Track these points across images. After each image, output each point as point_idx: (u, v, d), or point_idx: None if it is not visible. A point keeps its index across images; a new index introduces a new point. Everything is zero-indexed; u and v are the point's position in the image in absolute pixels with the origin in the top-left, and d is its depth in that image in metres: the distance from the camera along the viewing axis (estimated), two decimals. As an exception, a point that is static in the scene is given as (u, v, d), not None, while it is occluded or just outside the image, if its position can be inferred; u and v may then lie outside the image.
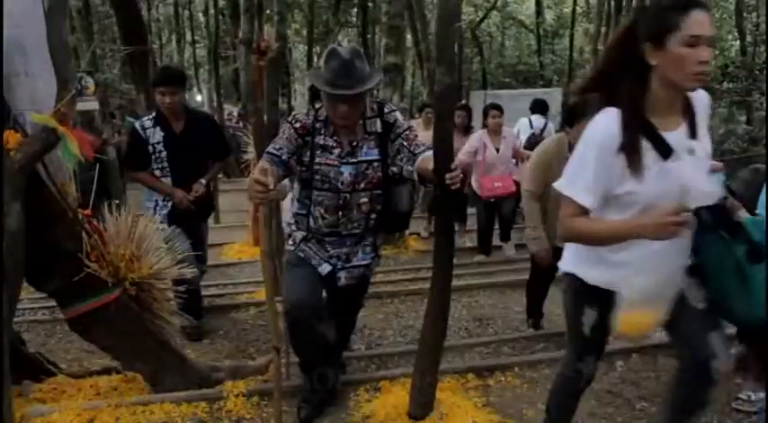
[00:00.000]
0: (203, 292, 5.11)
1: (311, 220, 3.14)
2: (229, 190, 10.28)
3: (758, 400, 3.32)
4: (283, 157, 2.95)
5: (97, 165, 4.02)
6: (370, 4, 22.33)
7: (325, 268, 3.19)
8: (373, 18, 22.35)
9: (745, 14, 18.62)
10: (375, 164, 3.10)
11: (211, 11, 21.81)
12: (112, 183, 7.86)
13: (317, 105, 3.11)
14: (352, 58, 2.91)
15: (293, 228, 3.28)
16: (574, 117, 3.72)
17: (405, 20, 9.57)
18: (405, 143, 3.05)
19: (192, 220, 4.47)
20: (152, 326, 3.48)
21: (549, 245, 4.09)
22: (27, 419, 3.14)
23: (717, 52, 17.61)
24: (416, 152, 2.99)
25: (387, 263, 6.53)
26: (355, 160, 3.06)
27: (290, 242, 3.28)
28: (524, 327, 4.77)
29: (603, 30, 17.35)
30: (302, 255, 3.21)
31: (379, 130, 3.10)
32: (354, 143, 3.07)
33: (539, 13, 25.94)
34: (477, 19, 25.11)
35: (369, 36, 23.07)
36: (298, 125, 3.03)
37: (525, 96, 11.80)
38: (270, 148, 3.00)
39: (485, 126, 6.90)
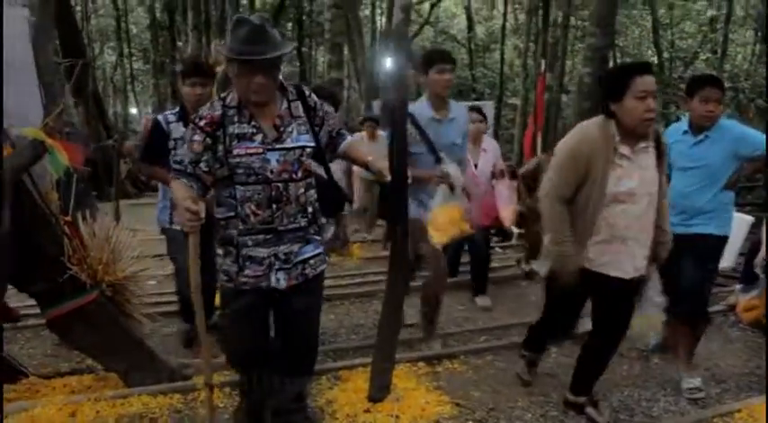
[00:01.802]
0: (158, 299, 5.34)
1: (240, 222, 2.75)
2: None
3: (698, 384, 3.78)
4: (188, 170, 2.68)
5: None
6: (305, 18, 22.71)
7: (272, 280, 2.83)
8: (309, 32, 22.73)
9: (660, 32, 19.73)
10: (308, 150, 2.81)
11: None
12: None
13: (222, 94, 2.81)
14: (262, 23, 2.63)
15: (223, 254, 2.85)
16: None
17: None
18: (329, 133, 2.95)
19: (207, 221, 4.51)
20: (125, 325, 3.72)
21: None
22: (10, 415, 3.34)
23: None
24: (339, 141, 3.00)
25: (333, 269, 6.83)
26: (283, 146, 2.74)
27: (224, 277, 2.86)
28: (468, 324, 5.16)
29: (532, 45, 18.16)
30: (246, 287, 2.82)
31: (302, 114, 2.84)
32: (281, 128, 2.76)
33: (470, 28, 26.79)
34: (411, 35, 25.72)
35: (305, 49, 23.44)
36: (203, 122, 2.68)
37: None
38: (173, 164, 2.75)
39: None
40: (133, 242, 3.87)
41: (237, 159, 2.68)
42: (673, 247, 3.32)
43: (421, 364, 4.10)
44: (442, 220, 3.90)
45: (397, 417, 3.38)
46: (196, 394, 3.61)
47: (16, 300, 4.80)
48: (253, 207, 2.73)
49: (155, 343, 4.24)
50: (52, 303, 3.43)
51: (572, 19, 18.15)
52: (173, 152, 3.94)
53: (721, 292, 5.63)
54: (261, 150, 2.70)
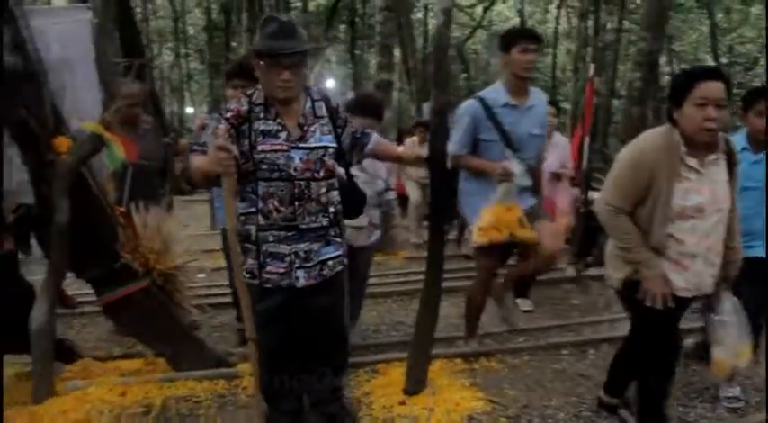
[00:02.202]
0: (207, 292, 5.55)
1: (261, 217, 2.78)
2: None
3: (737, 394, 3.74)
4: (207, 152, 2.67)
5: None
6: (357, 20, 22.93)
7: (292, 278, 2.86)
8: (361, 35, 22.94)
9: (718, 37, 19.35)
10: (330, 151, 2.86)
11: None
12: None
13: (248, 92, 2.87)
14: (290, 20, 2.72)
15: (244, 251, 2.86)
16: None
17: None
18: (352, 135, 2.99)
19: None
20: (175, 313, 3.90)
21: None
22: (65, 393, 3.54)
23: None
24: (365, 141, 3.03)
25: (378, 268, 6.94)
26: (307, 146, 2.79)
27: (247, 275, 2.86)
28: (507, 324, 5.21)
29: (584, 50, 17.99)
30: (269, 285, 2.85)
31: (326, 114, 2.89)
32: (305, 127, 2.81)
33: (523, 31, 26.62)
34: (463, 38, 25.78)
35: (357, 52, 23.66)
36: (230, 114, 2.73)
37: None
38: (193, 147, 2.78)
39: None
40: (183, 236, 4.04)
41: (262, 155, 2.72)
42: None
43: (458, 360, 4.17)
44: (488, 219, 3.80)
45: (431, 410, 3.46)
46: (239, 381, 3.76)
47: (75, 287, 5.07)
48: (275, 203, 2.77)
49: (203, 332, 4.42)
50: (106, 289, 3.63)
51: (625, 23, 17.93)
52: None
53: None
54: (285, 148, 2.75)
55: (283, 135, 2.76)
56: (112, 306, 3.68)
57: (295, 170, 2.75)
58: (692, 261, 2.92)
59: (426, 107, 16.84)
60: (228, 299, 5.68)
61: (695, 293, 2.99)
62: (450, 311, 5.62)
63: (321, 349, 3.09)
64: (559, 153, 5.49)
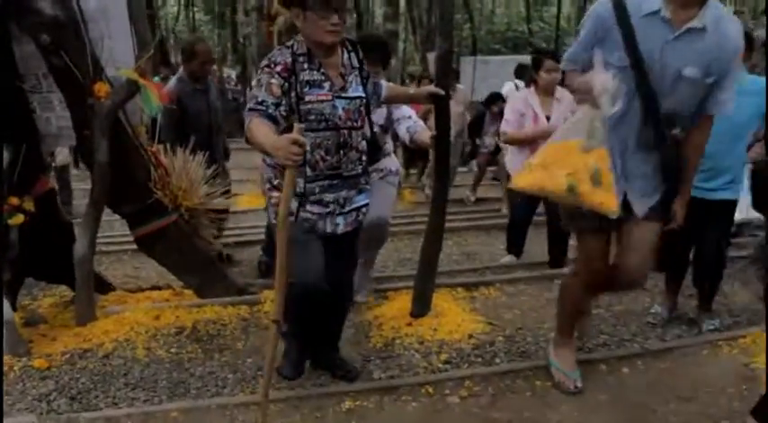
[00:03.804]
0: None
1: (309, 168, 2.85)
2: (234, 149, 11.04)
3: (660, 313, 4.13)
4: (270, 111, 2.68)
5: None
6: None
7: (331, 225, 3.00)
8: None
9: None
10: (363, 100, 2.97)
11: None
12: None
13: (288, 43, 2.87)
14: None
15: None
16: None
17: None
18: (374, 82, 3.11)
19: None
20: (200, 246, 4.27)
21: None
22: (105, 317, 3.93)
23: None
24: (379, 90, 3.17)
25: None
26: (347, 95, 2.88)
27: None
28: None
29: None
30: (306, 224, 2.95)
31: (357, 65, 2.97)
32: (345, 76, 2.90)
33: (528, -20, 26.54)
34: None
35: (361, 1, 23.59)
36: (279, 68, 2.74)
37: (515, 62, 11.63)
38: (252, 105, 2.71)
39: (530, 84, 5.24)
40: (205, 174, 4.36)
41: (309, 106, 2.77)
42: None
43: (460, 289, 4.55)
44: (545, 155, 2.80)
45: (435, 330, 3.85)
46: (260, 307, 4.15)
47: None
48: (322, 153, 2.84)
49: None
50: (140, 223, 3.99)
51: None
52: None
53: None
54: (330, 97, 2.81)
55: (327, 85, 2.82)
56: (146, 239, 4.04)
57: (339, 119, 2.84)
58: None
59: (431, 57, 16.96)
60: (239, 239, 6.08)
61: None
62: (453, 250, 6.04)
63: (335, 281, 3.11)
64: (567, 106, 4.79)
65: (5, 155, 3.39)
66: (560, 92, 4.88)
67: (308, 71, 2.79)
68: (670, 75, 2.62)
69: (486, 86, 12.58)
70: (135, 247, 4.52)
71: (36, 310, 4.14)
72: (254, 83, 2.89)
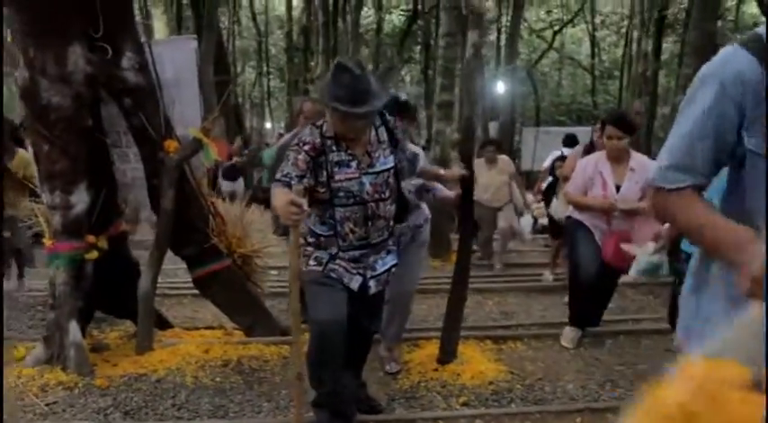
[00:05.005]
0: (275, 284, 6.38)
1: (340, 240, 3.08)
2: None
3: None
4: (293, 182, 2.81)
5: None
6: (432, 42, 23.71)
7: (357, 282, 3.14)
8: (435, 55, 23.68)
9: None
10: (392, 171, 3.14)
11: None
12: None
13: (317, 124, 3.06)
14: (362, 72, 2.87)
15: (315, 249, 3.15)
16: None
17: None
18: (406, 158, 3.34)
19: None
20: (251, 289, 4.71)
21: None
22: (161, 348, 4.37)
23: None
24: (415, 164, 3.58)
25: (433, 271, 7.64)
26: (374, 170, 3.06)
27: (313, 263, 3.12)
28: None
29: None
30: (333, 274, 3.10)
31: (386, 138, 3.15)
32: (371, 153, 3.07)
33: (594, 54, 26.97)
34: (533, 59, 26.27)
35: (429, 72, 24.45)
36: (308, 147, 2.94)
37: (577, 134, 10.83)
38: (278, 177, 2.90)
39: (588, 150, 5.11)
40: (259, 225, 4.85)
41: (339, 184, 2.99)
42: None
43: (488, 341, 4.82)
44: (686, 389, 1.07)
45: (458, 375, 4.13)
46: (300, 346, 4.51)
47: (162, 275, 5.96)
48: (351, 225, 3.05)
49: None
50: (198, 265, 4.47)
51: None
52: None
53: None
54: (357, 175, 3.01)
55: (354, 164, 3.01)
56: (203, 280, 4.51)
57: (367, 194, 3.04)
58: None
59: (493, 126, 17.39)
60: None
61: None
62: (493, 308, 6.30)
63: (359, 339, 3.33)
64: (642, 177, 4.30)
65: (87, 199, 3.94)
66: (636, 160, 4.49)
67: (336, 152, 3.00)
68: None
69: (547, 156, 12.74)
70: (195, 292, 5.01)
71: (102, 340, 4.62)
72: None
